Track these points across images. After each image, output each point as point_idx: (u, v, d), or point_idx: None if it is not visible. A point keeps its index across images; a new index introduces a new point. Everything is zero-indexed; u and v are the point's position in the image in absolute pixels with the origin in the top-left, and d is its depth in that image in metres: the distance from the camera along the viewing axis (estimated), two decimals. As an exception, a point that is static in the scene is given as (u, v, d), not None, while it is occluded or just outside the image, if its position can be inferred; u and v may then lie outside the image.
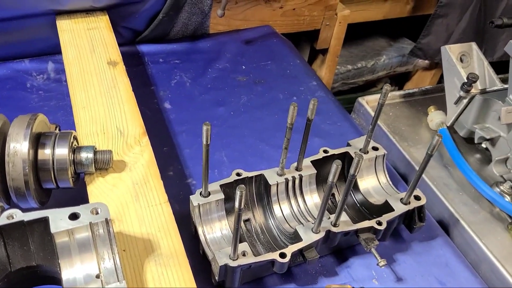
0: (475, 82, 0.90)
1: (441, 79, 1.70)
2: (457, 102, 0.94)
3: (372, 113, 1.03)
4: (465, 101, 0.93)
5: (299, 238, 0.68)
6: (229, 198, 0.73)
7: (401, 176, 0.94)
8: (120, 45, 0.95)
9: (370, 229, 0.71)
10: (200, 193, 0.71)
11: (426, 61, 1.65)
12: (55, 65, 1.05)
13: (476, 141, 0.94)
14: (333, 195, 0.82)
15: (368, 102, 1.06)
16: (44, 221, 0.54)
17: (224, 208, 0.72)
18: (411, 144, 1.00)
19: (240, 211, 0.57)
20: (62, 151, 0.65)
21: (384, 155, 0.81)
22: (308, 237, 0.67)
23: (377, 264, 0.69)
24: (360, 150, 0.80)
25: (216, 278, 0.66)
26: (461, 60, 0.95)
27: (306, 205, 0.77)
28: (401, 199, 0.73)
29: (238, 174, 0.75)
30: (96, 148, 0.69)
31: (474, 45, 0.96)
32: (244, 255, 0.65)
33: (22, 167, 0.62)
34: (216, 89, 1.05)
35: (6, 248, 0.54)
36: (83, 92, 0.83)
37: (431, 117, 1.03)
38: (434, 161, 0.95)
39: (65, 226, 0.53)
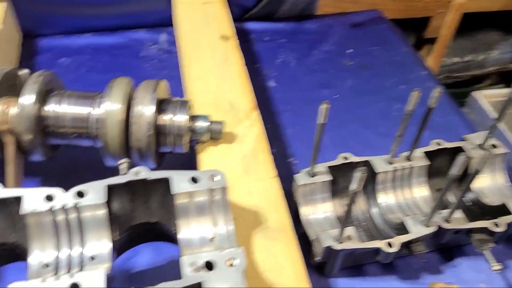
0: None
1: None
2: None
3: (489, 108, 0.96)
4: None
5: (406, 230, 0.66)
6: (334, 180, 0.72)
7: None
8: (229, 20, 0.97)
9: (484, 230, 0.67)
10: (307, 173, 0.71)
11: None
12: (168, 36, 1.09)
13: None
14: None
15: (486, 96, 0.98)
16: (165, 181, 0.57)
17: (329, 190, 0.71)
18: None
19: (356, 193, 0.56)
20: (181, 118, 0.68)
21: (505, 154, 0.75)
22: (418, 230, 0.65)
23: (490, 268, 0.65)
24: (478, 146, 0.75)
25: (317, 259, 0.65)
26: None
27: (414, 197, 0.74)
28: (523, 203, 0.68)
29: (345, 158, 0.73)
30: (210, 118, 0.71)
31: None
32: (349, 239, 0.64)
33: (147, 129, 0.65)
34: (321, 71, 1.03)
35: (131, 203, 0.57)
36: (196, 64, 0.86)
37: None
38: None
39: (186, 188, 0.55)
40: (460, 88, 1.58)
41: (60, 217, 0.53)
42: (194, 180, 0.56)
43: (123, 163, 0.61)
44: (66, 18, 1.05)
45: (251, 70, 1.02)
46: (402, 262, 0.70)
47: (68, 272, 0.50)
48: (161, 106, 0.68)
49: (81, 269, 0.51)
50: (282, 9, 1.13)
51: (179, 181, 0.56)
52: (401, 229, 0.67)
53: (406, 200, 0.74)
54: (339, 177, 0.72)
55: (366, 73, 1.04)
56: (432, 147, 0.75)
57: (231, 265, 0.49)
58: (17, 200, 0.53)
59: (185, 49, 0.88)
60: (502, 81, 1.67)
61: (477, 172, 0.58)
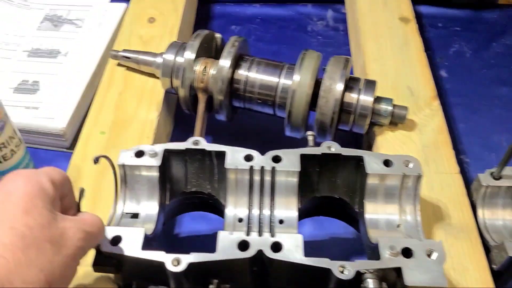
0: None
1: None
2: None
3: None
4: None
5: None
6: (518, 187, 0.66)
7: None
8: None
9: None
10: (491, 174, 0.66)
11: None
12: (334, 13, 1.07)
13: None
14: None
15: None
16: (354, 159, 0.56)
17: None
18: None
19: None
20: (367, 98, 0.66)
21: None
22: None
23: None
24: None
25: (494, 267, 0.61)
26: None
27: None
28: None
29: (535, 165, 0.67)
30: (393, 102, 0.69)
31: None
32: (539, 253, 0.58)
33: (333, 105, 0.65)
34: (500, 66, 0.95)
35: (318, 175, 0.58)
36: (374, 45, 0.83)
37: None
38: None
39: (378, 170, 0.54)
40: None
41: (257, 177, 0.55)
42: (386, 163, 0.55)
43: (310, 135, 0.62)
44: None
45: (420, 56, 0.98)
46: None
47: (258, 230, 0.53)
48: (348, 83, 0.67)
49: (270, 230, 0.53)
50: (461, -6, 1.05)
51: (372, 162, 0.55)
52: None
53: None
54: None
55: (555, 73, 0.93)
56: None
57: (429, 256, 0.47)
58: (218, 155, 0.57)
59: (363, 28, 0.86)
60: None
61: None
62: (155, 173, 0.55)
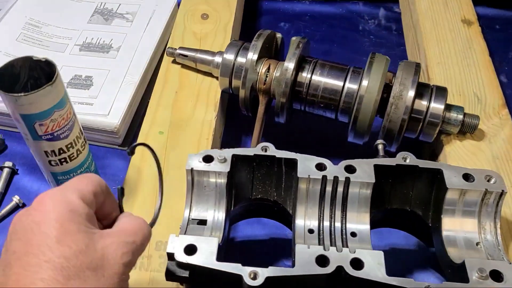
0: None
1: None
2: None
3: None
4: None
5: None
6: None
7: None
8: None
9: None
10: None
11: None
12: (386, 12, 1.04)
13: None
14: None
15: None
16: (431, 172, 0.54)
17: None
18: None
19: None
20: (438, 106, 0.64)
21: None
22: None
23: None
24: None
25: None
26: None
27: None
28: None
29: None
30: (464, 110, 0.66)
31: None
32: None
33: (403, 112, 0.62)
34: None
35: (390, 186, 0.56)
36: (436, 48, 0.80)
37: None
38: None
39: (458, 184, 0.52)
40: None
41: (329, 188, 0.53)
42: (466, 177, 0.53)
43: (380, 143, 0.59)
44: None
45: (478, 60, 0.94)
46: None
47: (330, 243, 0.51)
48: (418, 89, 0.64)
49: (342, 243, 0.51)
50: (522, -5, 1.00)
51: (451, 175, 0.53)
52: None
53: None
54: None
55: None
56: None
57: (520, 281, 0.45)
58: (288, 162, 0.55)
59: (424, 30, 0.83)
60: None
61: None
62: (224, 179, 0.54)
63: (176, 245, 0.47)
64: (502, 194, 0.51)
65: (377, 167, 0.54)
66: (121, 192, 0.44)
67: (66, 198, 0.38)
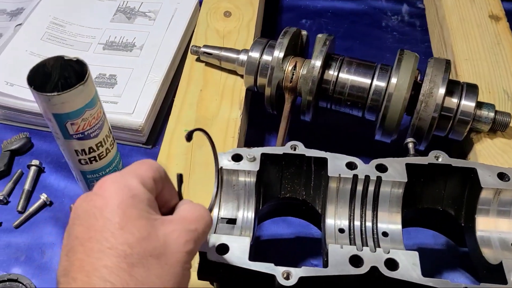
0: None
1: None
2: None
3: None
4: None
5: None
6: None
7: None
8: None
9: None
10: None
11: None
12: (409, 8, 1.03)
13: None
14: None
15: None
16: (463, 170, 0.53)
17: None
18: None
19: None
20: (469, 103, 0.62)
21: None
22: None
23: None
24: None
25: None
26: None
27: None
28: None
29: None
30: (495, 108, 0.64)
31: None
32: None
33: (433, 109, 0.61)
34: None
35: (421, 185, 0.55)
36: (464, 43, 0.79)
37: None
38: None
39: (493, 184, 0.51)
40: None
41: (359, 187, 0.53)
42: (501, 176, 0.52)
43: (410, 142, 0.59)
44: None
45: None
46: None
47: (362, 242, 0.51)
48: (448, 87, 0.63)
49: (374, 243, 0.51)
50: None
51: (485, 175, 0.52)
52: None
53: None
54: None
55: None
56: None
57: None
58: (317, 161, 0.55)
59: (451, 26, 0.82)
60: None
61: None
62: (253, 178, 0.54)
63: (208, 244, 0.47)
64: (538, 194, 0.50)
65: (408, 166, 0.53)
66: (180, 178, 0.42)
67: (127, 183, 0.37)
